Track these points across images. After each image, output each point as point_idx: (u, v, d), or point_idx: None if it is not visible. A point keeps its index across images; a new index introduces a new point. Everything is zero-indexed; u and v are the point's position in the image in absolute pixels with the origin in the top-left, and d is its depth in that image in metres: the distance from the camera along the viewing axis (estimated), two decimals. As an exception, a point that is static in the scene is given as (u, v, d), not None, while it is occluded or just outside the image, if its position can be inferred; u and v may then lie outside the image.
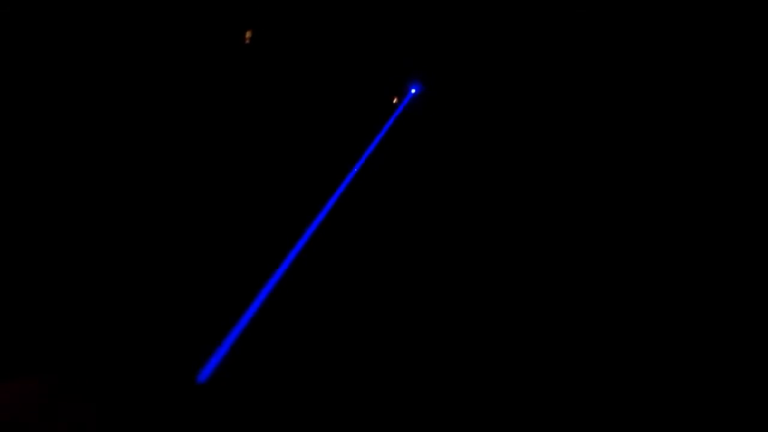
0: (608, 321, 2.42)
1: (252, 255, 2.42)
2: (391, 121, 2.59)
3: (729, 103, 2.55)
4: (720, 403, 2.16)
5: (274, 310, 2.36)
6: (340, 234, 2.50)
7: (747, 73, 2.50)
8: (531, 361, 2.37)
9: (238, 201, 2.51)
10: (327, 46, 2.56)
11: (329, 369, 2.34)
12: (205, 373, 2.32)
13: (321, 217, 2.48)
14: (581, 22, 2.54)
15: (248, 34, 2.15)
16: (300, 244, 2.42)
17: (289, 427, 2.23)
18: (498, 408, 2.33)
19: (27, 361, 1.97)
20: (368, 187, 2.52)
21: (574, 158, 2.60)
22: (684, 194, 2.59)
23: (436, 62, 2.59)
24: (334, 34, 2.56)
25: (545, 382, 2.36)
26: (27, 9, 2.31)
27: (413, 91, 2.59)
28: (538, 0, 2.52)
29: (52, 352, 2.05)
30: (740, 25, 2.50)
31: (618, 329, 2.37)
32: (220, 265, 2.43)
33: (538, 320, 2.40)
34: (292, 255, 2.40)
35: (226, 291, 2.38)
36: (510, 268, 2.48)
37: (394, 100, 2.32)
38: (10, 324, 2.11)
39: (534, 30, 2.55)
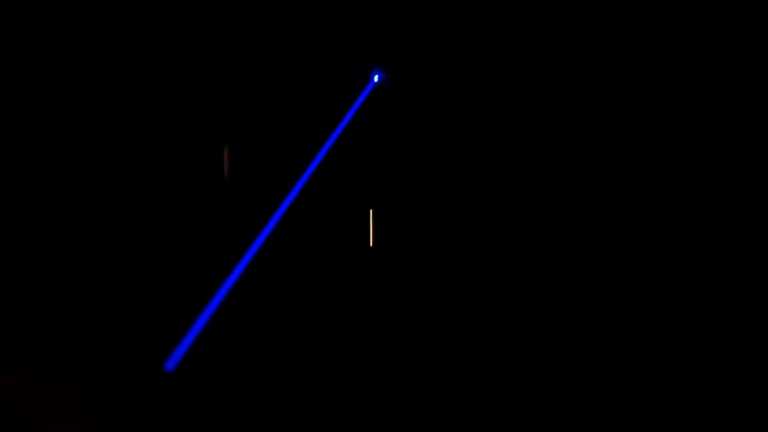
0: (598, 318, 2.40)
1: (218, 243, 2.41)
2: (353, 111, 2.59)
3: (727, 103, 2.49)
4: (720, 402, 2.14)
5: (242, 296, 2.36)
6: (306, 222, 2.51)
7: (747, 73, 2.44)
8: (495, 341, 2.37)
9: (203, 190, 2.50)
10: (290, 33, 2.55)
11: (301, 356, 2.34)
12: (172, 361, 2.29)
13: (286, 204, 2.48)
14: (551, 17, 2.53)
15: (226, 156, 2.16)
16: (266, 231, 2.42)
17: (261, 415, 2.23)
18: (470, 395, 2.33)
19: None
20: (330, 181, 2.53)
21: (550, 153, 2.60)
22: (670, 190, 2.55)
23: (401, 49, 2.56)
24: (295, 22, 2.55)
25: (528, 375, 2.34)
26: (27, 9, 2.23)
27: (376, 78, 2.55)
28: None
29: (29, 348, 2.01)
30: (740, 25, 2.45)
31: (615, 327, 2.35)
32: (187, 251, 2.41)
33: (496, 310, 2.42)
34: (258, 242, 2.40)
35: (193, 277, 2.36)
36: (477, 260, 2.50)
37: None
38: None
39: (504, 20, 2.54)
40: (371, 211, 2.55)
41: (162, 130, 2.41)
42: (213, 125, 2.42)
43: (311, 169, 2.58)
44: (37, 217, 2.26)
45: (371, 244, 2.49)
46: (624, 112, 2.47)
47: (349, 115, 2.58)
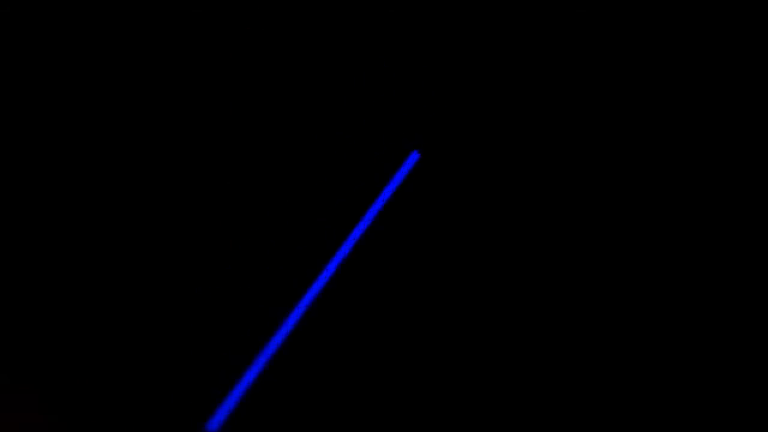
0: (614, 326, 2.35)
1: (273, 289, 2.29)
2: (387, 194, 2.60)
3: (730, 104, 2.54)
4: (720, 404, 2.11)
5: (292, 352, 2.19)
6: (358, 281, 2.40)
7: (747, 73, 2.52)
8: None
9: (252, 224, 2.42)
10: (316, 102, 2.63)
11: (351, 416, 2.15)
12: (215, 422, 2.14)
13: (340, 256, 2.39)
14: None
15: None
16: (323, 279, 2.31)
17: None
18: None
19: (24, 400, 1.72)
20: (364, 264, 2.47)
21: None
22: (685, 196, 2.54)
23: (438, 126, 2.63)
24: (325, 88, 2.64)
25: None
26: (27, 9, 2.26)
27: (413, 157, 2.59)
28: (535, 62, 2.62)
29: (53, 388, 1.81)
30: (740, 25, 2.57)
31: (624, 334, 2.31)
32: (235, 299, 2.28)
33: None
34: (313, 291, 2.28)
35: (240, 329, 2.20)
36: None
37: None
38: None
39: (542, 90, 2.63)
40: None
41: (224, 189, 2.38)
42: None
43: (358, 231, 2.52)
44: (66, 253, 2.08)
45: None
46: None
47: (387, 191, 2.58)
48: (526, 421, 2.15)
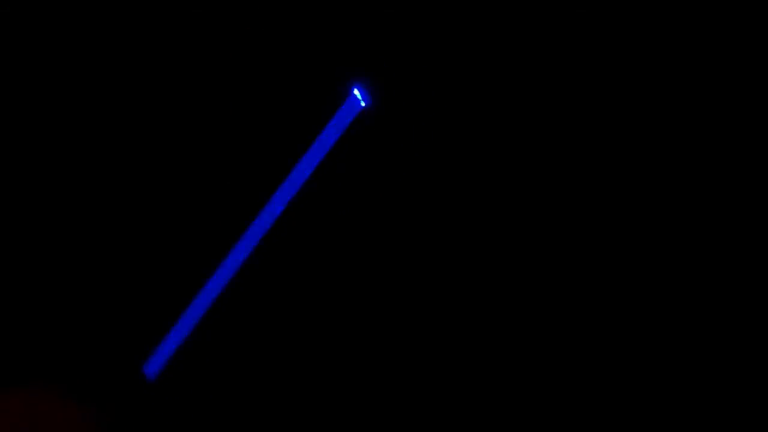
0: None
1: (210, 231, 2.09)
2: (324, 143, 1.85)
3: (730, 104, 2.37)
4: (720, 404, 2.14)
5: (241, 287, 2.06)
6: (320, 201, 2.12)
7: (747, 74, 2.31)
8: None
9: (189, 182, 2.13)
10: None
11: (304, 361, 2.10)
12: (154, 365, 2.09)
13: (287, 189, 2.03)
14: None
15: None
16: (266, 217, 2.03)
17: (255, 427, 2.05)
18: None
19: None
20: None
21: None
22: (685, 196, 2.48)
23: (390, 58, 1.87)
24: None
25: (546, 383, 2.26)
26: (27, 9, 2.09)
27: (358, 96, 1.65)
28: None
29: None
30: (740, 25, 2.29)
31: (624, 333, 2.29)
32: (173, 236, 2.09)
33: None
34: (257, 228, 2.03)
35: (180, 267, 2.05)
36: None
37: None
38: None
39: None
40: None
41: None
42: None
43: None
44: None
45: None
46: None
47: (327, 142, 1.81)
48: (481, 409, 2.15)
